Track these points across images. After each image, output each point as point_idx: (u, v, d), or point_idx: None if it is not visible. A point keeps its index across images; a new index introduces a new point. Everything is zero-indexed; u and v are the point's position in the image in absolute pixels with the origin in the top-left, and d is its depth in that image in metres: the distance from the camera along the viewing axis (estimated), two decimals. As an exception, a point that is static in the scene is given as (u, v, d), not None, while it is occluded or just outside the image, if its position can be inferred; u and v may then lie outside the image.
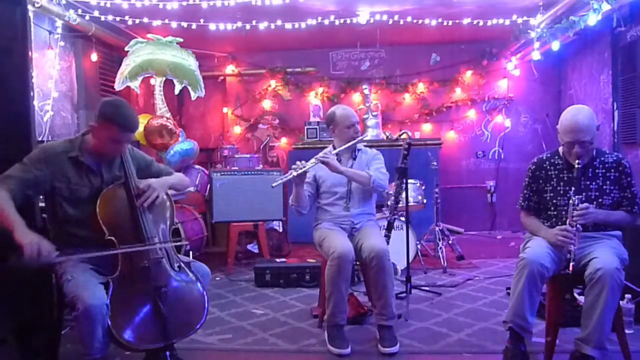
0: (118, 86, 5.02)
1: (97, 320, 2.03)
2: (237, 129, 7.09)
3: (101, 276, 2.23)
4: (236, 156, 5.59)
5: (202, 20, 5.14)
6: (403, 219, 3.79)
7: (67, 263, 2.27)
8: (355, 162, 3.28)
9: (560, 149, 2.71)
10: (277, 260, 4.52)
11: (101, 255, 2.23)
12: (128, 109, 2.35)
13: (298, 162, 3.00)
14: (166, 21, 5.11)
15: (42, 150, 2.36)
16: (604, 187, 2.61)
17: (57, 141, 2.47)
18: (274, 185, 2.93)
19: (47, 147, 2.38)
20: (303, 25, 5.35)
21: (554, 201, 2.67)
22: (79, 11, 4.77)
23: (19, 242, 1.98)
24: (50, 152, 2.34)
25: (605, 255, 2.40)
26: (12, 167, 2.25)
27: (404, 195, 3.65)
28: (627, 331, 2.63)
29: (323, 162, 3.03)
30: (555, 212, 2.67)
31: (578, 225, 2.47)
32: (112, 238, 2.28)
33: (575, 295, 3.23)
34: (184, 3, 4.76)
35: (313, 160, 3.04)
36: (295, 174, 2.93)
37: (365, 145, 3.44)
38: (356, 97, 6.92)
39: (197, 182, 5.15)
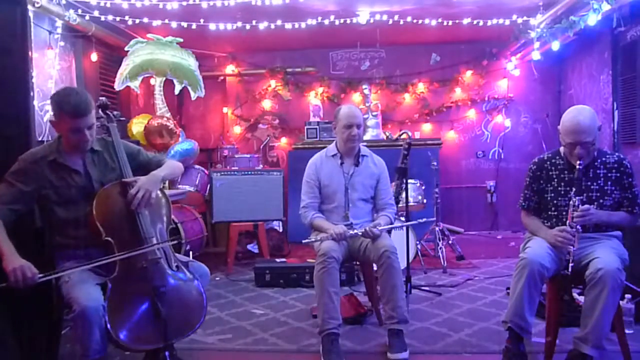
0: (118, 86, 5.02)
1: (94, 321, 2.02)
2: (237, 129, 7.09)
3: (99, 277, 2.23)
4: (236, 156, 5.60)
5: (202, 20, 5.14)
6: (403, 219, 3.79)
7: (65, 265, 2.27)
8: (358, 168, 3.19)
9: (562, 149, 2.71)
10: (277, 260, 4.52)
11: (89, 266, 2.19)
12: (74, 95, 2.25)
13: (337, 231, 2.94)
14: (166, 21, 5.11)
15: (22, 161, 2.30)
16: (605, 187, 2.61)
17: (35, 148, 2.40)
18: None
19: (26, 157, 2.31)
20: (303, 25, 5.35)
21: (555, 201, 2.67)
22: (79, 11, 4.76)
23: (5, 270, 2.03)
24: (29, 161, 2.29)
25: (606, 256, 2.40)
26: None
27: (404, 195, 3.65)
28: (627, 331, 2.63)
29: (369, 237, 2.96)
30: (555, 213, 2.67)
31: (578, 227, 2.47)
32: (110, 239, 2.26)
33: (575, 295, 3.23)
34: (184, 3, 4.75)
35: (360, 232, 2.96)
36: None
37: (365, 146, 3.34)
38: (356, 97, 6.91)
39: (197, 182, 5.15)
